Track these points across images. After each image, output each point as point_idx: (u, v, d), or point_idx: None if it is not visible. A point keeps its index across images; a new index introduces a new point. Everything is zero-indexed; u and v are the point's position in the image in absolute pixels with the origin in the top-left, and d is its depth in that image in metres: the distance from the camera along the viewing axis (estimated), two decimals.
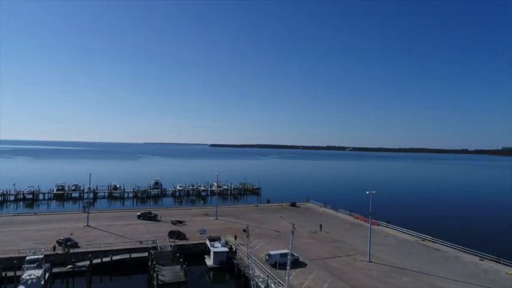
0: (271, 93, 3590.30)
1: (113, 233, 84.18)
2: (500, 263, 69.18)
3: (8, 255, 64.22)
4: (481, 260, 71.33)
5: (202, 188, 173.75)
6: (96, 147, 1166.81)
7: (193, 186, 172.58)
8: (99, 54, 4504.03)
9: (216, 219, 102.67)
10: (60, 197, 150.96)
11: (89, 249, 69.47)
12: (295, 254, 66.50)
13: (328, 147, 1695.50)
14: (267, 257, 66.27)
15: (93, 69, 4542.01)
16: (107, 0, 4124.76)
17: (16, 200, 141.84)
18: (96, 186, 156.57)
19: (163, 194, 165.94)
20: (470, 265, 68.25)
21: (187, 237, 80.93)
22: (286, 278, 50.79)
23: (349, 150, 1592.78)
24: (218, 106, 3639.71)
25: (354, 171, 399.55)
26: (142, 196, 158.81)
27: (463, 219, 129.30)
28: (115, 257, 68.17)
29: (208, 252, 73.04)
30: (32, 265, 58.14)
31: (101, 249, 70.24)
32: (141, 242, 75.53)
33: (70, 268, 63.01)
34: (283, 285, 53.01)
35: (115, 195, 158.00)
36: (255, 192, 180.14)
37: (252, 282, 50.75)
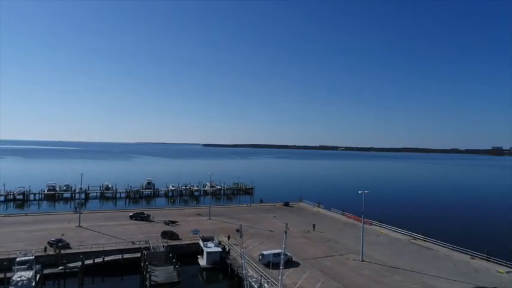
0: (265, 93, 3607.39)
1: (105, 233, 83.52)
2: (490, 261, 70.07)
3: None
4: (471, 258, 72.19)
5: (195, 188, 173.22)
6: (87, 148, 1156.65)
7: (186, 186, 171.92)
8: (99, 54, 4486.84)
9: (209, 219, 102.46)
10: (51, 198, 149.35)
11: (80, 250, 68.84)
12: (289, 254, 66.68)
13: (321, 147, 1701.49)
14: (260, 257, 66.30)
15: (93, 69, 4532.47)
16: (107, 0, 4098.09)
17: (6, 201, 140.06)
18: (88, 187, 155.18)
19: (156, 194, 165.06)
20: (461, 263, 69.04)
21: (180, 237, 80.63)
22: (280, 278, 50.86)
23: (342, 150, 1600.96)
24: (212, 106, 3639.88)
25: (346, 170, 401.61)
26: (134, 196, 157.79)
27: (454, 218, 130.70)
28: (107, 258, 67.62)
29: (201, 252, 72.85)
30: (23, 266, 57.43)
31: (92, 250, 69.62)
32: (133, 243, 75.07)
33: (61, 269, 62.34)
34: (276, 285, 53.09)
35: (107, 196, 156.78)
36: (248, 192, 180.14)
37: (245, 282, 50.73)
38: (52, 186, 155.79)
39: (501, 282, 58.89)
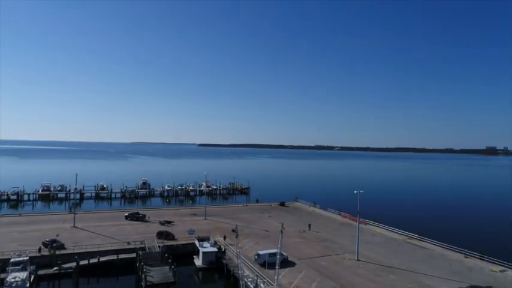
0: (261, 93, 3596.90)
1: (100, 233, 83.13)
2: (484, 260, 70.62)
3: None
4: (466, 257, 72.71)
5: (191, 188, 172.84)
6: (87, 148, 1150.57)
7: (181, 186, 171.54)
8: (99, 54, 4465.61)
9: (205, 219, 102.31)
10: (45, 198, 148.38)
11: (75, 251, 68.49)
12: (284, 254, 66.75)
13: (317, 147, 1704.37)
14: (256, 257, 66.34)
15: (93, 70, 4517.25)
16: (107, 0, 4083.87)
17: (0, 201, 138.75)
18: (83, 187, 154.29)
19: (151, 194, 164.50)
20: (456, 263, 69.51)
21: (175, 237, 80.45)
22: (275, 278, 50.91)
23: (337, 149, 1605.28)
24: (208, 106, 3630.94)
25: (342, 170, 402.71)
26: (130, 196, 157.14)
27: (449, 218, 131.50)
28: (102, 258, 67.28)
29: (197, 252, 72.69)
30: (17, 267, 56.92)
31: (87, 250, 69.26)
32: (129, 243, 74.75)
33: (56, 270, 61.98)
34: (272, 285, 53.14)
35: (102, 196, 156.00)
36: (244, 192, 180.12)
37: (241, 282, 50.73)
38: (46, 186, 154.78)
39: (495, 281, 59.35)
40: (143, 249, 70.77)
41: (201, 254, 69.48)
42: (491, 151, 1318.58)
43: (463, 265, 68.16)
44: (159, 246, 72.32)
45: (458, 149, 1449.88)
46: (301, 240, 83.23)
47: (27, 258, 59.95)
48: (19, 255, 61.35)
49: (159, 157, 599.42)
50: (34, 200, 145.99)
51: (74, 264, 61.82)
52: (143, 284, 56.48)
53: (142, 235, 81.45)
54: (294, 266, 64.87)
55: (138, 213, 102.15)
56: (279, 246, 50.34)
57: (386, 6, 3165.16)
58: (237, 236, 56.03)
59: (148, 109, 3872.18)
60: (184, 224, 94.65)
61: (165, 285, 56.95)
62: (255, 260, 65.87)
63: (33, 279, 56.94)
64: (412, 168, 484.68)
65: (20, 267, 57.15)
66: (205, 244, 71.72)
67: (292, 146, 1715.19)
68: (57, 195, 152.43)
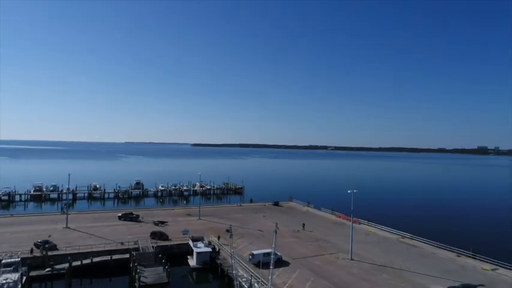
0: (255, 92, 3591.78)
1: (93, 234, 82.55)
2: (476, 258, 71.40)
3: None
4: (458, 256, 73.46)
5: (184, 188, 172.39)
6: (86, 148, 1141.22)
7: (175, 186, 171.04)
8: (99, 54, 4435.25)
9: (199, 219, 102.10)
10: (37, 198, 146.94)
11: (68, 252, 67.93)
12: (278, 253, 66.92)
13: (311, 147, 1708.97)
14: (250, 257, 66.38)
15: (93, 70, 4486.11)
16: (107, 0, 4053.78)
17: None
18: (76, 187, 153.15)
19: (145, 194, 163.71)
20: (448, 261, 70.20)
21: (169, 237, 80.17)
22: (270, 277, 51.01)
23: (331, 149, 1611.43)
24: (202, 105, 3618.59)
25: (335, 170, 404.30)
26: (123, 197, 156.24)
27: (441, 217, 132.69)
28: (95, 259, 66.85)
29: (191, 252, 72.54)
30: (8, 269, 56.35)
31: (80, 251, 68.73)
32: (122, 243, 74.32)
33: (48, 271, 61.42)
34: (266, 285, 53.22)
35: (95, 196, 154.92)
36: (238, 191, 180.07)
37: (235, 282, 50.71)
38: (38, 186, 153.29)
39: (486, 280, 60.04)
40: (137, 249, 70.42)
41: (195, 254, 69.34)
42: (483, 151, 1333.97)
43: (455, 264, 68.86)
44: (152, 246, 71.98)
45: (451, 148, 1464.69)
46: (295, 239, 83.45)
47: (19, 259, 59.33)
48: (10, 257, 60.75)
49: (152, 157, 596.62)
50: (26, 200, 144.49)
51: (67, 265, 61.32)
52: (137, 284, 56.23)
53: (136, 235, 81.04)
54: (288, 265, 65.03)
55: (131, 213, 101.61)
56: (273, 246, 50.44)
57: (386, 6, 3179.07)
58: (231, 236, 56.03)
59: (148, 109, 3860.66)
60: (178, 224, 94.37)
61: (159, 286, 56.75)
62: (249, 259, 65.91)
63: (25, 280, 56.33)
64: (405, 168, 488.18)
65: (12, 268, 56.57)
66: (199, 244, 71.58)
67: (286, 146, 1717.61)
68: (49, 196, 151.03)
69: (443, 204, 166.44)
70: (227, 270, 62.63)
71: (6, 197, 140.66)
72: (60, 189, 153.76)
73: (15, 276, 54.48)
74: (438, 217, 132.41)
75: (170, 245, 76.38)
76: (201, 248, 70.22)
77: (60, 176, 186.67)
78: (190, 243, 73.09)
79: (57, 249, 69.66)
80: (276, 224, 63.53)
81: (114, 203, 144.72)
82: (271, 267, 50.28)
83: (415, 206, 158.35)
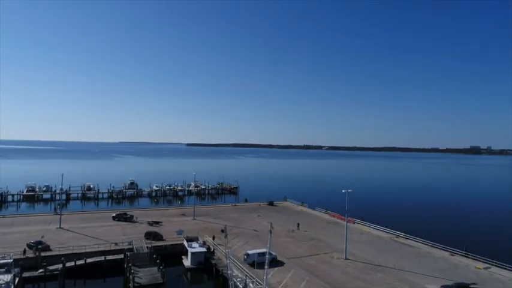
0: (259, 93, 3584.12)
1: (87, 234, 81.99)
2: (469, 257, 72.03)
3: None
4: (451, 255, 74.06)
5: (179, 188, 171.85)
6: (86, 148, 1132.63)
7: (170, 186, 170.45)
8: (99, 54, 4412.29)
9: (194, 219, 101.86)
10: (30, 199, 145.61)
11: (61, 252, 67.38)
12: (273, 253, 66.95)
13: (305, 146, 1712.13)
14: (245, 257, 66.36)
15: (93, 70, 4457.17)
16: (107, 0, 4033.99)
17: None
18: (69, 187, 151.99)
19: (139, 195, 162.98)
20: (441, 260, 70.75)
21: (164, 238, 79.90)
22: (265, 277, 51.04)
23: (325, 149, 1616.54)
24: (207, 106, 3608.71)
25: (330, 170, 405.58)
26: (117, 197, 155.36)
27: (434, 216, 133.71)
28: (89, 260, 66.36)
29: (185, 252, 72.35)
30: (1, 270, 55.80)
31: (74, 251, 68.28)
32: (116, 244, 73.88)
33: (41, 272, 60.88)
34: (261, 284, 53.24)
35: (89, 196, 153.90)
36: (233, 191, 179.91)
37: (230, 282, 50.67)
38: (31, 186, 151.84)
39: (479, 278, 60.61)
40: (131, 250, 70.05)
41: (189, 254, 69.19)
42: (476, 150, 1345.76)
43: (448, 262, 69.42)
44: (147, 246, 71.70)
45: (444, 148, 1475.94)
46: (290, 239, 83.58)
47: (12, 260, 58.74)
48: (3, 258, 60.18)
49: (146, 157, 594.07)
50: (18, 201, 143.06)
51: (60, 266, 60.84)
52: (131, 285, 55.94)
53: (130, 236, 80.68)
54: (282, 265, 65.11)
55: (125, 213, 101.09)
56: (268, 245, 50.45)
57: (386, 6, 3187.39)
58: (226, 236, 55.97)
59: (148, 109, 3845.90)
60: (173, 224, 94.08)
61: (153, 286, 56.46)
62: (244, 259, 65.88)
63: (18, 281, 55.82)
64: (399, 167, 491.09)
65: (4, 269, 56.03)
66: (194, 244, 71.43)
67: (280, 145, 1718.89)
68: (42, 196, 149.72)
69: (436, 203, 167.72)
70: (222, 270, 62.57)
71: None
72: (53, 190, 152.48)
73: (7, 277, 53.94)
74: (432, 216, 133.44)
75: (165, 245, 76.12)
76: (196, 248, 70.08)
77: (53, 176, 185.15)
78: (185, 243, 72.87)
79: (50, 250, 69.11)
80: (271, 223, 63.73)
81: (108, 203, 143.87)
82: (266, 267, 50.31)
83: (409, 205, 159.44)
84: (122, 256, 67.72)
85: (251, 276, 57.21)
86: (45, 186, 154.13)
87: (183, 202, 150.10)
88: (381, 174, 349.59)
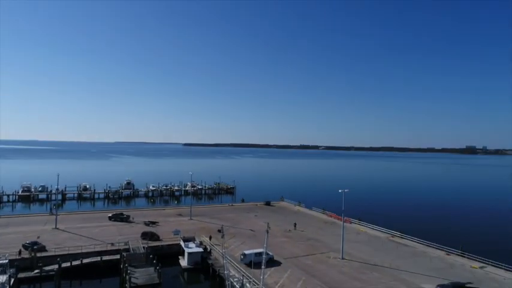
0: (260, 93, 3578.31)
1: (83, 235, 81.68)
2: (465, 257, 72.44)
3: None
4: (447, 254, 74.42)
5: (176, 188, 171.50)
6: (86, 148, 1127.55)
7: (166, 186, 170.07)
8: (99, 54, 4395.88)
9: (190, 219, 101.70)
10: (25, 199, 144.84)
11: (57, 253, 67.05)
12: (270, 253, 66.96)
13: (302, 146, 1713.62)
14: (242, 257, 66.32)
15: (93, 70, 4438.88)
16: (107, 0, 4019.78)
17: None
18: (65, 187, 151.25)
19: (135, 195, 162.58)
20: (437, 260, 71.06)
21: (160, 238, 79.75)
22: (261, 277, 51.02)
23: (322, 149, 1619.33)
24: (207, 106, 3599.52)
25: (326, 169, 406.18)
26: (113, 197, 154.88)
27: (430, 216, 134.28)
28: (85, 260, 66.14)
29: (182, 253, 72.26)
30: None
31: (70, 252, 68.00)
32: (112, 244, 73.65)
33: (37, 273, 60.56)
34: (258, 284, 53.23)
35: (85, 196, 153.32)
36: (230, 191, 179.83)
37: (227, 282, 50.64)
38: (27, 187, 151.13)
39: (475, 277, 60.93)
40: (127, 250, 69.88)
41: (186, 254, 69.10)
42: (471, 150, 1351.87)
43: (444, 262, 69.74)
44: (143, 247, 71.54)
45: (440, 148, 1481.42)
46: (287, 239, 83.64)
47: (7, 261, 58.42)
48: None
49: (143, 157, 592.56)
50: (14, 201, 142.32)
51: (56, 266, 60.55)
52: (127, 285, 55.71)
53: (127, 236, 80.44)
54: (279, 265, 65.15)
55: (122, 213, 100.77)
56: (264, 245, 50.44)
57: (386, 6, 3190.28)
58: (222, 236, 55.96)
59: (148, 109, 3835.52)
60: (169, 224, 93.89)
61: (150, 287, 56.32)
62: (241, 259, 65.85)
63: (13, 282, 55.53)
64: (395, 167, 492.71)
65: (0, 270, 55.70)
66: (191, 244, 71.37)
67: (277, 145, 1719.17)
68: (38, 196, 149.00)
69: (432, 203, 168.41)
70: (219, 270, 62.52)
71: None
72: (49, 190, 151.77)
73: (3, 278, 53.65)
74: (428, 216, 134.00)
75: (161, 245, 75.95)
76: (193, 248, 70.00)
77: (49, 176, 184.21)
78: (182, 243, 72.76)
79: (46, 250, 68.80)
80: (268, 223, 63.74)
81: (104, 204, 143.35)
82: (262, 267, 50.28)
83: (405, 205, 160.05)
84: (118, 256, 67.52)
85: (248, 276, 57.19)
86: (41, 186, 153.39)
87: (180, 202, 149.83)
88: (377, 174, 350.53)
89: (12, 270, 57.15)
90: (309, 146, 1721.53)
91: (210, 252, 71.67)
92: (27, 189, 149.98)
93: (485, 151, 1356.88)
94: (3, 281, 52.98)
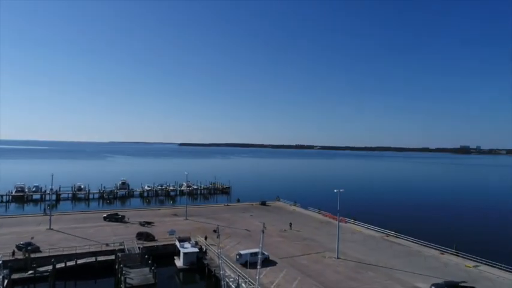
0: (260, 93, 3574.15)
1: (78, 235, 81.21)
2: (459, 256, 72.99)
3: None
4: (441, 254, 74.92)
5: (171, 188, 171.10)
6: (85, 148, 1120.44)
7: (162, 186, 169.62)
8: (99, 54, 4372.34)
9: (186, 219, 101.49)
10: (19, 199, 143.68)
11: (51, 254, 66.61)
12: (266, 253, 67.06)
13: (298, 146, 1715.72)
14: (237, 257, 66.33)
15: (93, 70, 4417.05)
16: (107, 0, 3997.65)
17: None
18: (59, 187, 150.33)
19: (130, 195, 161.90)
20: (432, 259, 71.51)
21: (156, 238, 79.49)
22: (257, 277, 51.07)
23: (318, 149, 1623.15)
24: (207, 106, 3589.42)
25: (322, 169, 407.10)
26: (108, 197, 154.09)
27: (425, 215, 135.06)
28: (80, 261, 65.75)
29: (177, 253, 72.09)
30: None
31: (64, 252, 67.58)
32: (107, 245, 73.30)
33: (31, 274, 60.16)
34: (253, 284, 53.26)
35: (79, 197, 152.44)
36: (225, 191, 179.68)
37: (222, 282, 50.61)
38: (20, 187, 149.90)
39: (469, 276, 61.38)
40: (122, 250, 69.61)
41: (181, 254, 68.94)
42: (465, 150, 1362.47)
43: (438, 261, 70.21)
44: (138, 247, 71.28)
45: (434, 147, 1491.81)
46: (282, 239, 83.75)
47: (1, 262, 57.83)
48: None
49: (138, 157, 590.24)
50: (7, 201, 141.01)
51: (50, 267, 60.14)
52: (123, 286, 55.51)
53: (122, 236, 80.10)
54: (275, 265, 65.22)
55: (117, 214, 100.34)
56: (260, 245, 50.50)
57: (386, 6, 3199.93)
58: (218, 236, 55.86)
59: (148, 109, 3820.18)
60: (165, 224, 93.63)
61: (145, 287, 56.22)
62: (237, 259, 65.85)
63: (7, 283, 55.15)
64: (390, 167, 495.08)
65: None
66: (186, 245, 71.15)
67: (272, 145, 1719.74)
68: (31, 197, 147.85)
69: (427, 203, 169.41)
70: (214, 270, 62.45)
71: None
72: (43, 190, 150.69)
73: None
74: (422, 215, 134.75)
75: (156, 245, 75.71)
76: (188, 248, 69.82)
77: (44, 176, 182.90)
78: (177, 243, 72.58)
79: (40, 251, 68.32)
80: (263, 223, 63.69)
81: (99, 204, 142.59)
82: (258, 267, 50.34)
83: (401, 205, 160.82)
84: (113, 257, 67.25)
85: (243, 276, 57.21)
86: (35, 186, 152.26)
87: (175, 202, 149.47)
88: (372, 174, 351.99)
89: (5, 271, 56.74)
90: (304, 145, 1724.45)
91: (205, 252, 71.58)
92: (21, 189, 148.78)
93: (479, 151, 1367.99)
94: None
